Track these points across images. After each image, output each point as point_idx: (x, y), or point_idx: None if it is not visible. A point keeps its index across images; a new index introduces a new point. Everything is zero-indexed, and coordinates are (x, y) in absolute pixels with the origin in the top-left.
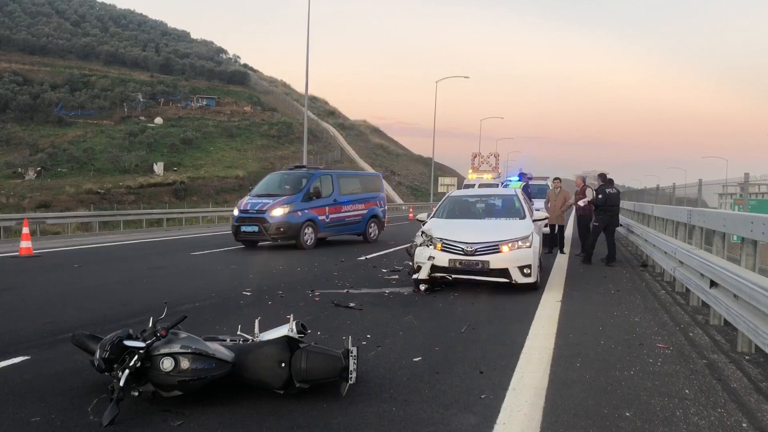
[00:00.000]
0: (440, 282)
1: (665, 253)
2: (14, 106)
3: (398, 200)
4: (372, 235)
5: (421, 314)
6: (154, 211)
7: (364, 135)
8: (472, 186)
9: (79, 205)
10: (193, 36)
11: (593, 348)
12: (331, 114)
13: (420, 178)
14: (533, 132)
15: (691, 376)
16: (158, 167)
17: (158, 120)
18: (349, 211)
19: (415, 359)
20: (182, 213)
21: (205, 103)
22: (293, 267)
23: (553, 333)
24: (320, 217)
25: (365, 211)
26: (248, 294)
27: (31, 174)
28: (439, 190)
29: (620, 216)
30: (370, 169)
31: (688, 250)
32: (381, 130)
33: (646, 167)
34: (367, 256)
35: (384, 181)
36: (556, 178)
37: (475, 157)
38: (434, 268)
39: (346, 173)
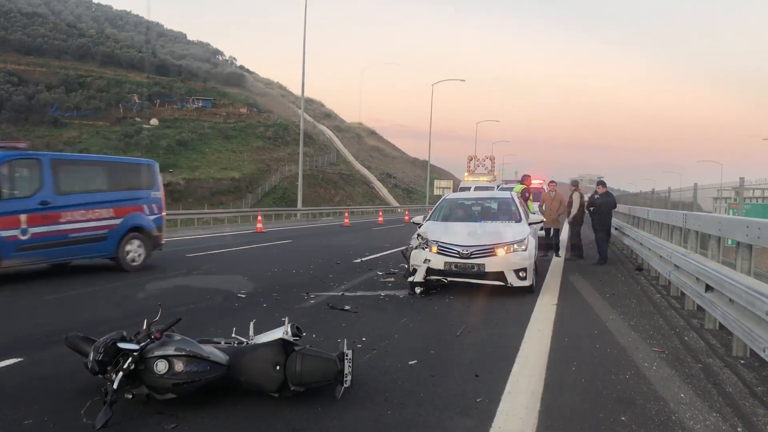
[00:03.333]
0: (436, 285)
1: (661, 257)
2: (9, 107)
3: (394, 203)
4: (131, 258)
5: (416, 317)
6: None
7: (360, 137)
8: (468, 189)
9: None
10: (190, 38)
11: (589, 352)
12: (327, 116)
13: (415, 180)
14: (529, 135)
15: (686, 381)
16: None
17: (154, 121)
18: (78, 222)
19: (410, 362)
20: (178, 214)
21: (201, 104)
22: (288, 269)
23: (549, 336)
24: (6, 233)
25: (117, 222)
26: (243, 296)
27: None
28: (435, 193)
29: (614, 219)
30: (366, 173)
31: (683, 254)
32: (377, 133)
33: (642, 171)
34: (363, 259)
35: (380, 183)
36: (551, 182)
37: (471, 159)
38: (430, 271)
39: (74, 158)
